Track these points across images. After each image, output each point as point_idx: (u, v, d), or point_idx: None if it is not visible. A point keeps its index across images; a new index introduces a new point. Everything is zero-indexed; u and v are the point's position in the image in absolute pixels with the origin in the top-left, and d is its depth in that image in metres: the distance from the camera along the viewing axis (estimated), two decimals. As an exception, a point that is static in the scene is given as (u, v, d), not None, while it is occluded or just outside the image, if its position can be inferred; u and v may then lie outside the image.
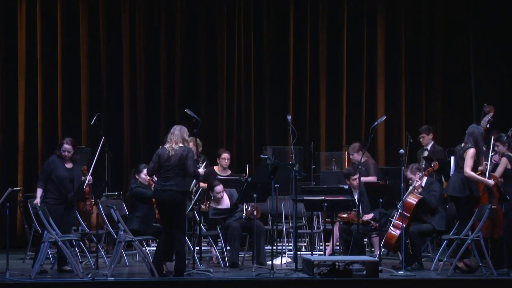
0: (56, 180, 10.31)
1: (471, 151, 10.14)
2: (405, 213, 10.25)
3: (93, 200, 11.29)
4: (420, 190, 10.59)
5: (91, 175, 10.97)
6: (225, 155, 12.03)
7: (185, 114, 11.09)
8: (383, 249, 11.00)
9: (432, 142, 12.48)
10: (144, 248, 10.88)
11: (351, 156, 12.03)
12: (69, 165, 10.45)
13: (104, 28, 14.36)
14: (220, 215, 11.14)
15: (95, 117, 12.14)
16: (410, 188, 10.61)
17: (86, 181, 10.84)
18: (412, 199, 10.51)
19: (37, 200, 10.24)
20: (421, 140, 12.47)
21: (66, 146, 10.43)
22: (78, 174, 10.54)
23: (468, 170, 10.09)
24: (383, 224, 10.82)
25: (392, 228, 10.47)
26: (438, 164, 10.83)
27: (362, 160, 11.61)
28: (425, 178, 10.71)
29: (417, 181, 10.60)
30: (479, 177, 10.15)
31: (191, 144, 10.36)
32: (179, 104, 14.26)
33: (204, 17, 14.61)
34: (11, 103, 14.09)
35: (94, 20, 14.32)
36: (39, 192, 10.33)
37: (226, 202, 11.28)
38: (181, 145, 9.77)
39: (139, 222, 10.52)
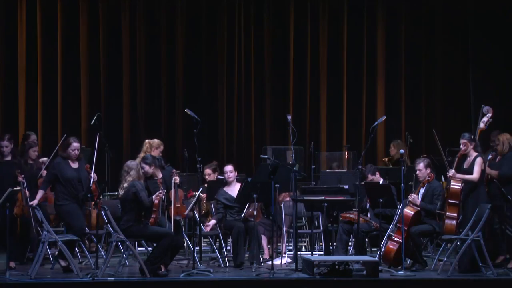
0: (64, 182, 10.25)
1: None
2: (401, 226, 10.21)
3: (101, 198, 11.34)
4: (418, 202, 10.56)
5: (94, 172, 10.97)
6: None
7: (185, 114, 11.10)
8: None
9: None
10: (143, 249, 10.87)
11: None
12: (75, 165, 10.41)
13: (104, 28, 14.36)
14: (228, 201, 11.09)
15: (95, 117, 12.13)
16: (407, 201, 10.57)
17: (92, 179, 10.80)
18: (409, 211, 10.48)
19: (35, 202, 10.20)
20: None
21: (75, 144, 10.36)
22: (85, 173, 10.53)
23: None
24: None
25: (391, 242, 10.45)
26: (433, 176, 10.82)
27: None
28: (421, 190, 10.69)
29: (411, 195, 10.58)
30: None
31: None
32: (179, 104, 14.28)
33: (204, 17, 14.63)
34: (11, 103, 14.10)
35: (94, 20, 14.33)
36: (40, 194, 10.31)
37: (236, 190, 11.04)
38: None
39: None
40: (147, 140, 11.83)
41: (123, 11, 14.43)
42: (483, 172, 10.27)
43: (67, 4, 14.30)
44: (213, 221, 11.04)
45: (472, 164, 10.30)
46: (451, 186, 10.32)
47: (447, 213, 10.30)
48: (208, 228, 11.02)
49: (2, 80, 14.17)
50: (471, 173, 10.25)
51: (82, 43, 14.29)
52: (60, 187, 10.29)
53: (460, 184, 10.28)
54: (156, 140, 11.82)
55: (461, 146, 10.46)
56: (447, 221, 10.29)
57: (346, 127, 14.78)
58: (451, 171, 10.31)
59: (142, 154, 11.74)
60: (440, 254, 10.75)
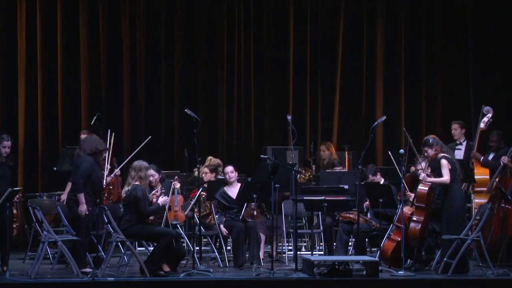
0: (96, 181, 10.19)
1: None
2: (401, 225, 10.19)
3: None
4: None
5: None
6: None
7: (185, 114, 11.11)
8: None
9: None
10: (143, 249, 10.83)
11: None
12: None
13: (104, 28, 14.37)
14: (227, 202, 11.09)
15: (95, 117, 12.14)
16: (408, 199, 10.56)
17: (105, 180, 10.82)
18: (408, 211, 10.46)
19: (85, 207, 10.06)
20: None
21: (105, 154, 10.52)
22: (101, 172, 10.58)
23: None
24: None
25: (388, 241, 10.45)
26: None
27: None
28: None
29: (409, 194, 10.58)
30: None
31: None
32: (179, 104, 14.28)
33: (204, 17, 14.63)
34: (11, 103, 14.10)
35: (94, 20, 14.33)
36: (83, 197, 10.07)
37: (237, 190, 11.03)
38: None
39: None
40: (209, 157, 12.09)
41: (123, 11, 14.44)
42: (452, 171, 10.19)
43: (67, 4, 14.30)
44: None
45: (440, 167, 10.23)
46: (418, 189, 10.26)
47: (414, 217, 10.25)
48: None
49: (2, 80, 14.16)
50: (441, 175, 10.17)
51: (82, 43, 14.29)
52: (89, 188, 10.18)
53: (426, 188, 10.17)
54: (217, 161, 12.02)
55: (432, 151, 10.32)
56: (412, 224, 10.20)
57: (346, 127, 14.77)
58: (422, 175, 10.26)
59: (202, 168, 11.81)
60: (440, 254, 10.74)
